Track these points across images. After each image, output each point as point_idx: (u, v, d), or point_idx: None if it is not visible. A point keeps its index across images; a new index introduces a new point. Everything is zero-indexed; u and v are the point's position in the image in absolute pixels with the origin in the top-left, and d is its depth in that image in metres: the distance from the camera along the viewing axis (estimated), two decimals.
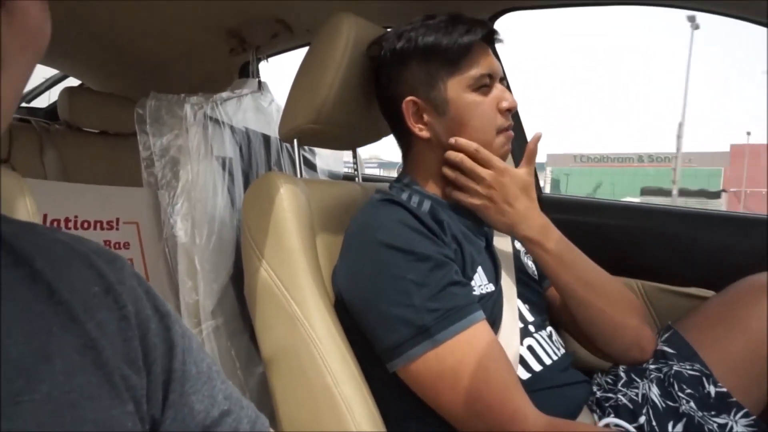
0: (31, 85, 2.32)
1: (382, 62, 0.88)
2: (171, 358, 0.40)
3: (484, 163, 0.84)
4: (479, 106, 0.84)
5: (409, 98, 0.85)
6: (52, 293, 0.35)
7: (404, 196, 0.88)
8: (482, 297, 0.78)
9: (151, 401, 0.38)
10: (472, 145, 0.84)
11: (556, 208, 1.38)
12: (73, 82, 2.04)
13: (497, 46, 0.93)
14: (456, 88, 0.83)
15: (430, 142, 0.87)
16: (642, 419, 0.79)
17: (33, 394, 0.31)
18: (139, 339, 0.38)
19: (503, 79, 0.89)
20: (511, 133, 0.88)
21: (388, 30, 0.92)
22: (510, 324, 0.81)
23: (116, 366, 0.36)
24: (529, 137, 1.35)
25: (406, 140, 0.92)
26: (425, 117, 0.85)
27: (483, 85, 0.84)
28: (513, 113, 0.89)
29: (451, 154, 0.86)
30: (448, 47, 0.82)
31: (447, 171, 0.87)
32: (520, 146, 1.40)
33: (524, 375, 0.78)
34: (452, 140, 0.85)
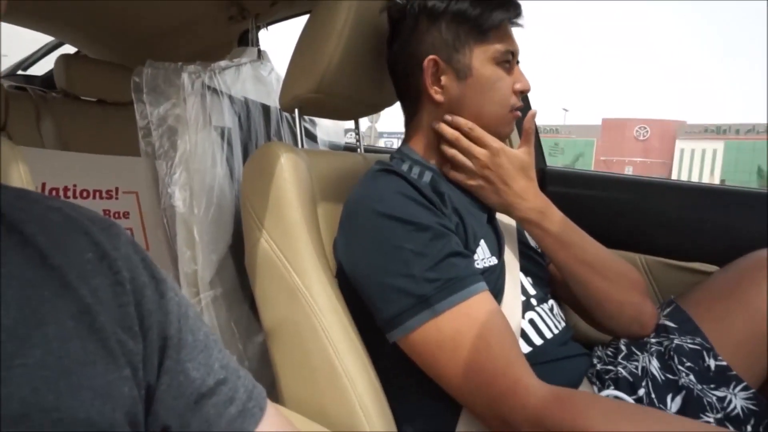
0: (26, 52, 2.30)
1: (408, 16, 0.86)
2: (167, 325, 0.40)
3: (479, 142, 0.84)
4: (500, 80, 0.84)
5: (431, 57, 0.83)
6: (45, 259, 0.35)
7: (404, 167, 0.87)
8: (485, 270, 0.78)
9: (147, 367, 0.38)
10: (467, 123, 0.83)
11: (560, 181, 1.37)
12: (69, 49, 2.01)
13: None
14: (481, 57, 0.83)
15: (440, 108, 0.86)
16: (641, 391, 0.79)
17: (26, 359, 0.31)
18: (134, 305, 0.38)
19: (517, 61, 0.88)
20: (518, 113, 0.88)
21: None
22: (512, 297, 0.80)
23: (112, 331, 0.36)
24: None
25: (414, 104, 0.90)
26: (443, 80, 0.84)
27: (506, 61, 0.83)
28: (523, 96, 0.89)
29: (447, 130, 0.85)
30: (482, 16, 0.81)
31: (445, 148, 0.86)
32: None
33: (526, 349, 0.78)
34: (448, 117, 0.84)
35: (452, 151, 0.86)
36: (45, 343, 0.32)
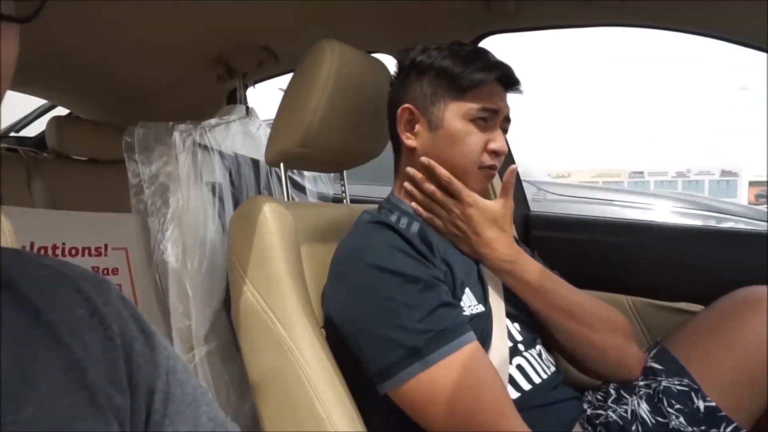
0: (19, 114, 2.34)
1: (401, 68, 0.92)
2: (155, 379, 0.40)
3: (455, 195, 0.86)
4: (469, 135, 0.85)
5: (406, 105, 0.87)
6: (38, 315, 0.36)
7: (393, 218, 0.88)
8: (472, 318, 0.78)
9: (135, 422, 0.38)
10: (445, 174, 0.86)
11: (544, 225, 1.39)
12: (61, 111, 2.05)
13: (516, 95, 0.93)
14: (454, 113, 0.85)
15: (414, 153, 0.89)
16: None
17: (18, 415, 0.32)
18: (124, 360, 0.38)
19: (507, 121, 0.90)
20: (494, 173, 0.89)
21: (372, 55, 0.95)
22: (499, 344, 0.80)
23: (101, 387, 0.36)
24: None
25: (397, 151, 0.95)
26: (417, 127, 0.88)
27: (481, 119, 0.85)
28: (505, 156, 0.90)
29: (422, 182, 0.88)
30: (461, 75, 0.84)
31: (417, 196, 0.89)
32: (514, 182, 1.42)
33: (514, 394, 0.78)
34: (424, 160, 0.87)
35: (426, 202, 0.89)
36: (37, 399, 0.33)
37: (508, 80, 0.87)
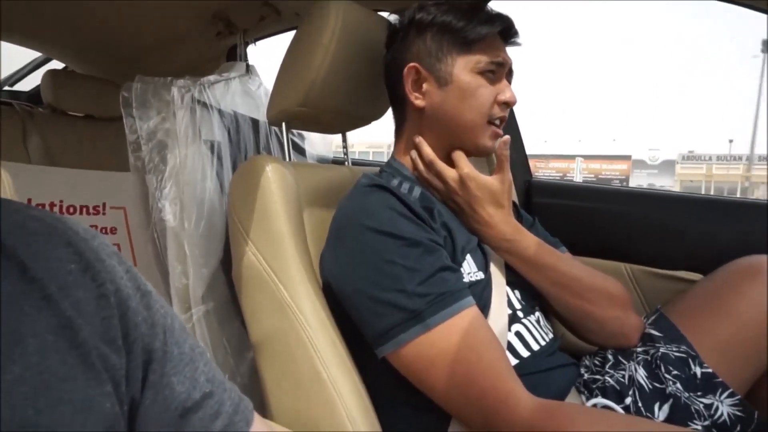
0: (13, 68, 2.29)
1: (399, 27, 0.89)
2: (152, 338, 0.39)
3: (442, 174, 0.86)
4: (481, 87, 0.84)
5: (412, 64, 0.85)
6: (25, 271, 0.34)
7: (394, 182, 0.87)
8: (471, 284, 0.78)
9: (131, 381, 0.37)
10: (429, 154, 0.86)
11: (545, 192, 1.38)
12: (56, 65, 2.01)
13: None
14: (463, 67, 0.84)
15: (423, 114, 0.87)
16: (628, 400, 0.79)
17: (5, 375, 0.31)
18: (118, 318, 0.37)
19: (510, 74, 0.89)
20: (500, 131, 0.88)
21: (380, 12, 0.92)
22: (498, 311, 0.81)
23: (94, 346, 0.35)
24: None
25: (400, 113, 0.93)
26: (424, 86, 0.86)
27: (489, 71, 0.84)
28: (509, 116, 0.90)
29: (425, 149, 0.87)
30: (466, 28, 0.83)
31: (420, 170, 0.89)
32: (516, 149, 1.41)
33: (513, 361, 0.78)
34: (417, 139, 0.87)
35: (427, 175, 0.88)
36: (23, 358, 0.32)
37: (508, 33, 0.87)
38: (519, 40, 0.89)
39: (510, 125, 1.41)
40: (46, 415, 0.31)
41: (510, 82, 0.89)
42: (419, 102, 0.87)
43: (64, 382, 0.33)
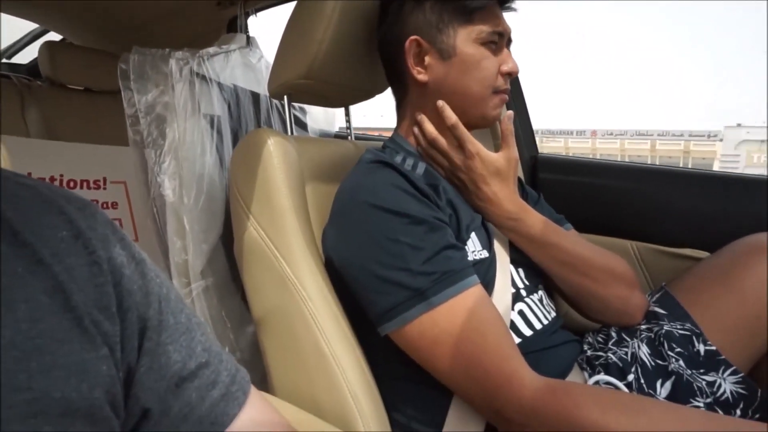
0: (10, 39, 2.25)
1: (392, 1, 0.86)
2: (147, 307, 0.39)
3: (459, 141, 0.84)
4: (485, 59, 0.83)
5: (413, 37, 0.83)
6: (16, 235, 0.34)
7: (398, 158, 0.86)
8: (475, 263, 0.77)
9: (126, 349, 0.37)
10: (452, 117, 0.83)
11: (552, 168, 1.37)
12: (54, 37, 1.97)
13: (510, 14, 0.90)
14: (465, 38, 0.82)
15: (426, 88, 0.85)
16: (630, 377, 0.79)
17: None
18: (112, 285, 0.37)
19: (510, 43, 0.88)
20: (506, 96, 0.87)
21: None
22: (502, 290, 0.80)
23: (86, 311, 0.35)
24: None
25: (402, 88, 0.90)
26: (426, 60, 0.84)
27: (491, 42, 0.82)
28: (513, 86, 0.88)
29: (427, 127, 0.85)
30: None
31: (424, 147, 0.87)
32: (522, 124, 1.39)
33: (515, 340, 0.78)
34: (439, 103, 0.84)
35: (431, 152, 0.87)
36: (15, 322, 0.31)
37: (505, 1, 0.85)
38: (515, 6, 0.86)
39: (516, 99, 1.39)
40: (39, 378, 0.31)
41: (510, 52, 0.87)
42: (422, 77, 0.84)
43: (59, 345, 0.33)
